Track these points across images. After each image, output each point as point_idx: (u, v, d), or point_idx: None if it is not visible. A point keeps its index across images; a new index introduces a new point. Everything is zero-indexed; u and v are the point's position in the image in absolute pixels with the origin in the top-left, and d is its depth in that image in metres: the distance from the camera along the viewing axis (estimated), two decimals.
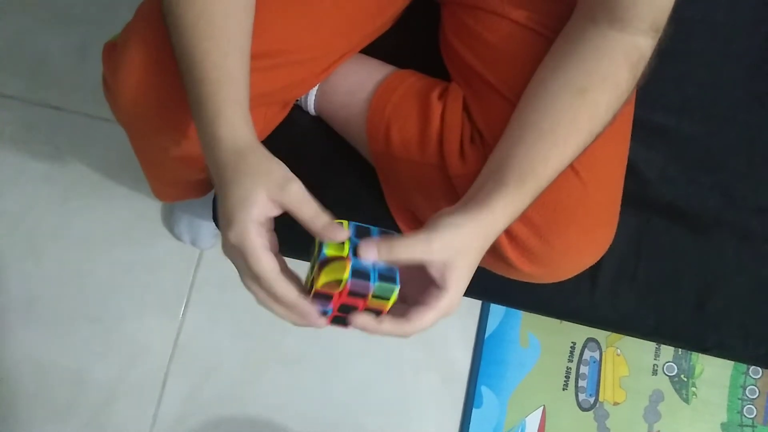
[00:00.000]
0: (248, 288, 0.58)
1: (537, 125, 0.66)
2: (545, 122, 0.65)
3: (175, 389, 1.29)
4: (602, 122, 0.66)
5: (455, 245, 0.59)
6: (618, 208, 0.78)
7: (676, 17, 0.68)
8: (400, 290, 0.58)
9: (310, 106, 0.85)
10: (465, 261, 0.60)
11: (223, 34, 0.61)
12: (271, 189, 0.56)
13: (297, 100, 0.86)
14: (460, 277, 0.59)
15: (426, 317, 0.58)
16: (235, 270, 0.59)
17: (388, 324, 0.59)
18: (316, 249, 0.58)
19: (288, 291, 0.56)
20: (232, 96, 0.60)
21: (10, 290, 1.31)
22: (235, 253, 0.57)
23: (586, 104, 0.65)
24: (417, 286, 0.60)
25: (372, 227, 0.59)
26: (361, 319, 0.58)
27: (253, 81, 0.63)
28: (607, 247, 0.77)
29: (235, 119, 0.59)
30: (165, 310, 1.31)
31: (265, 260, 0.56)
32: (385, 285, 0.57)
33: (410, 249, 0.57)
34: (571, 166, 0.70)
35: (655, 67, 0.68)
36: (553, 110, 0.65)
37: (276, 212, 0.57)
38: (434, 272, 0.59)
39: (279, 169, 0.58)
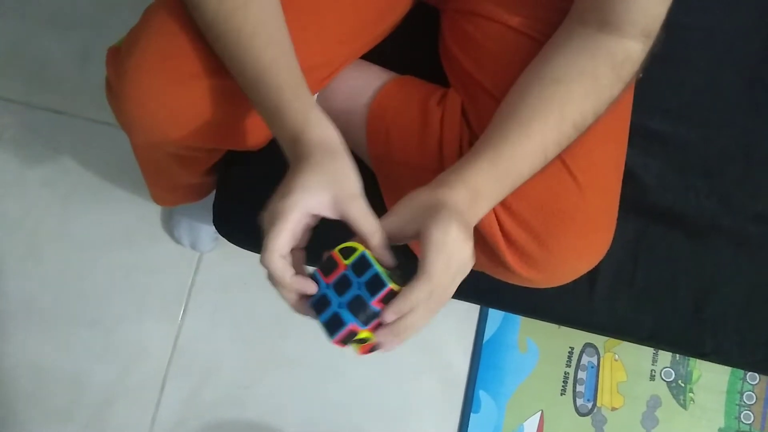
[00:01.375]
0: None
1: (500, 112, 0.68)
2: (511, 107, 0.67)
3: (174, 392, 1.30)
4: (579, 109, 0.66)
5: (414, 197, 0.60)
6: (616, 213, 0.78)
7: (674, 24, 0.68)
8: None
9: None
10: (437, 222, 0.57)
11: (284, 40, 0.63)
12: (339, 198, 0.58)
13: None
14: (435, 243, 0.57)
15: (407, 302, 0.57)
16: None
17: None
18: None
19: (283, 271, 0.57)
20: (310, 99, 0.62)
21: (10, 292, 1.31)
22: (269, 221, 0.58)
23: (558, 92, 0.66)
24: None
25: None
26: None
27: None
28: (605, 251, 0.78)
29: (322, 121, 0.61)
30: (164, 313, 1.31)
31: (281, 242, 0.57)
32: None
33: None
34: (569, 171, 0.71)
35: (652, 73, 0.69)
36: (522, 96, 0.67)
37: (324, 215, 0.59)
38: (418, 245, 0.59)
39: (355, 182, 0.60)
